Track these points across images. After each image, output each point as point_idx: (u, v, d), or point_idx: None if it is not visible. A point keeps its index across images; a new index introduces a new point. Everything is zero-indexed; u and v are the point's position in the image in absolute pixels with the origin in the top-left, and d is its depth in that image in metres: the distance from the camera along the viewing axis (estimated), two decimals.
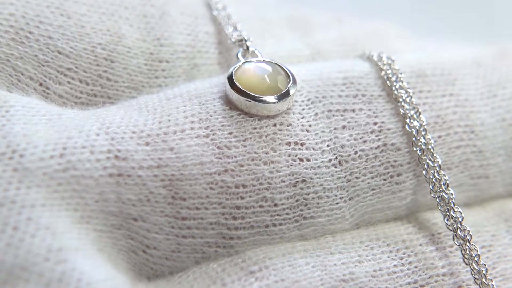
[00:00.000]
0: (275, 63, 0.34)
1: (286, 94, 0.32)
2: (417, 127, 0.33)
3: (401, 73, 0.35)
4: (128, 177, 0.30)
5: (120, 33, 0.35)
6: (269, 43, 0.38)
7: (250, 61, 0.34)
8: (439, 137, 0.34)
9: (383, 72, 0.35)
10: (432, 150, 0.33)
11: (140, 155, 0.30)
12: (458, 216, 0.32)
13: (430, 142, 0.33)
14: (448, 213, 0.32)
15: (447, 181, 0.33)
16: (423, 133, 0.33)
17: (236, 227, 0.31)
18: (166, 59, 0.35)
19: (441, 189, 0.33)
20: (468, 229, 0.32)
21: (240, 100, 0.32)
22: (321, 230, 0.33)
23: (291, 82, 0.33)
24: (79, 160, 0.30)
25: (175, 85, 0.35)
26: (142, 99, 0.33)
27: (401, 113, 0.34)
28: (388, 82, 0.34)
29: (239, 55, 0.35)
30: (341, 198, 0.32)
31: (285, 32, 0.39)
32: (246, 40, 0.36)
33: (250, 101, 0.32)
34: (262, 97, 0.32)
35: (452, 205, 0.33)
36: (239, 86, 0.32)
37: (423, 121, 0.34)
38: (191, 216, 0.30)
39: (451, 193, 0.33)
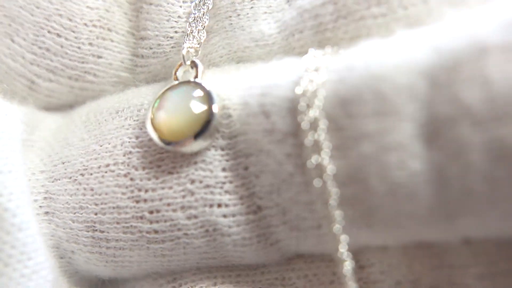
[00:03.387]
0: (202, 87, 0.30)
1: (190, 141, 0.29)
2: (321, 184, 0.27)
3: (318, 105, 0.27)
4: (57, 217, 0.31)
5: (110, 25, 0.33)
6: (245, 21, 0.32)
7: (175, 86, 0.30)
8: (355, 192, 0.27)
9: (301, 106, 0.28)
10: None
11: (66, 196, 0.31)
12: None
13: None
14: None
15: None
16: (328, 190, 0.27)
17: (169, 260, 0.31)
18: (146, 54, 0.33)
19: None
20: None
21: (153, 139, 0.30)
22: (253, 267, 0.31)
23: (204, 123, 0.29)
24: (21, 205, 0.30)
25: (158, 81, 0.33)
26: (103, 105, 0.33)
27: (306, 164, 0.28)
28: (300, 120, 0.28)
29: (178, 73, 0.31)
30: (264, 244, 0.30)
31: None
32: (183, 48, 0.31)
33: (158, 143, 0.30)
34: (167, 141, 0.30)
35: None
36: (150, 126, 0.30)
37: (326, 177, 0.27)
38: (119, 254, 0.31)
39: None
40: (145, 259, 0.31)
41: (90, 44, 0.33)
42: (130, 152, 0.31)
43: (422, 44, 0.27)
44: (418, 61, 0.26)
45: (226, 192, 0.30)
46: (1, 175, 0.29)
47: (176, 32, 0.33)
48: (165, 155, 0.30)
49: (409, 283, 0.29)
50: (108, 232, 0.31)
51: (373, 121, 0.26)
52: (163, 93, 0.30)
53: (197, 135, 0.29)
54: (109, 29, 0.33)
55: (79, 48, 0.33)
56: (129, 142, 0.31)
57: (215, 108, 0.30)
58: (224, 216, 0.30)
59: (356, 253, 0.29)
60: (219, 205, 0.30)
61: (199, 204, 0.30)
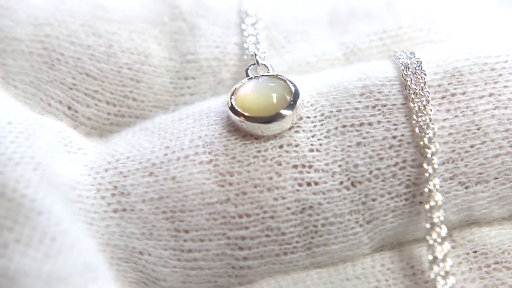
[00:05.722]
0: (281, 78, 0.32)
1: (280, 114, 0.31)
2: (425, 141, 0.30)
3: (422, 76, 0.31)
4: (131, 211, 0.31)
5: (147, 52, 0.35)
6: (300, 47, 0.36)
7: (255, 77, 0.32)
8: (472, 146, 0.30)
9: (404, 76, 0.31)
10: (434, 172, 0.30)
11: (143, 188, 0.31)
12: (432, 243, 0.29)
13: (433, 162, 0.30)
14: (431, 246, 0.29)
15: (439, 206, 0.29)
16: (431, 147, 0.30)
17: (244, 257, 0.30)
18: (192, 76, 0.35)
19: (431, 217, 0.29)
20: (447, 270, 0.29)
21: (239, 121, 0.31)
22: (338, 257, 0.31)
23: (290, 100, 0.31)
24: (87, 197, 0.31)
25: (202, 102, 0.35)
26: (158, 119, 0.34)
27: (413, 125, 0.30)
28: (408, 89, 0.31)
29: (249, 71, 0.33)
30: (356, 222, 0.30)
31: (322, 30, 0.36)
32: (256, 55, 0.34)
33: (244, 122, 0.31)
34: (254, 117, 0.31)
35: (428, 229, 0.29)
36: (235, 106, 0.31)
37: (431, 133, 0.30)
38: (196, 248, 0.30)
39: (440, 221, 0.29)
40: (220, 256, 0.30)
41: (129, 69, 0.34)
42: (212, 143, 0.31)
43: None
44: None
45: (316, 171, 0.30)
46: (18, 166, 0.29)
47: (224, 55, 0.35)
48: (248, 142, 0.31)
49: None
50: (189, 220, 0.30)
51: (484, 86, 0.31)
52: (242, 84, 0.32)
53: (284, 112, 0.31)
54: (145, 56, 0.35)
55: (118, 72, 0.34)
56: (206, 135, 0.31)
57: (299, 91, 0.31)
58: (314, 193, 0.30)
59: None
60: (308, 184, 0.30)
61: (287, 184, 0.30)
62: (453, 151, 0.30)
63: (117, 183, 0.31)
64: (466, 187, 0.30)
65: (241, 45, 0.35)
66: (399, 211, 0.30)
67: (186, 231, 0.30)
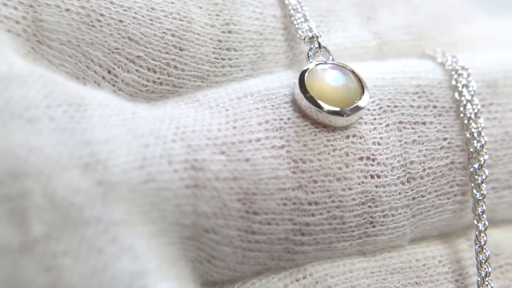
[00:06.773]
0: (348, 69, 0.33)
1: (358, 107, 0.32)
2: (477, 146, 0.33)
3: (472, 85, 0.34)
4: (204, 188, 0.29)
5: (189, 17, 0.33)
6: (335, 30, 0.36)
7: (323, 64, 0.33)
8: (505, 155, 0.34)
9: (454, 82, 0.34)
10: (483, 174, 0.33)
11: (217, 166, 0.30)
12: (483, 244, 0.33)
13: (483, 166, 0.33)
14: (476, 238, 0.33)
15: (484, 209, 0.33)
16: (483, 153, 0.33)
17: (303, 243, 0.31)
18: (234, 48, 0.34)
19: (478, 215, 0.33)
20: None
21: (311, 109, 0.31)
22: (381, 247, 0.33)
23: (364, 93, 0.32)
24: (158, 172, 0.29)
25: (240, 75, 0.34)
26: (210, 95, 0.32)
27: (464, 130, 0.33)
28: (458, 94, 0.34)
29: (311, 54, 0.34)
30: (405, 216, 0.32)
31: (351, 14, 0.37)
32: (318, 37, 0.34)
33: (321, 112, 0.31)
34: (335, 109, 0.31)
35: (481, 230, 0.33)
36: (312, 95, 0.32)
37: (483, 140, 0.33)
38: (262, 231, 0.30)
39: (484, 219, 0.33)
40: (281, 240, 0.31)
41: (173, 35, 0.33)
42: (281, 128, 0.31)
43: None
44: None
45: (378, 164, 0.32)
46: (66, 171, 0.27)
47: (264, 29, 0.35)
48: (318, 130, 0.32)
49: None
50: (261, 203, 0.30)
51: None
52: (312, 69, 0.32)
53: (359, 106, 0.32)
54: (188, 22, 0.33)
55: (162, 38, 0.32)
56: (275, 120, 0.31)
57: (367, 86, 0.33)
58: (376, 186, 0.32)
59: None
60: (372, 177, 0.32)
61: (355, 176, 0.32)
62: (490, 158, 0.34)
63: (188, 156, 0.29)
64: (496, 191, 0.34)
65: (279, 18, 0.35)
66: (441, 208, 0.33)
67: (256, 213, 0.30)
